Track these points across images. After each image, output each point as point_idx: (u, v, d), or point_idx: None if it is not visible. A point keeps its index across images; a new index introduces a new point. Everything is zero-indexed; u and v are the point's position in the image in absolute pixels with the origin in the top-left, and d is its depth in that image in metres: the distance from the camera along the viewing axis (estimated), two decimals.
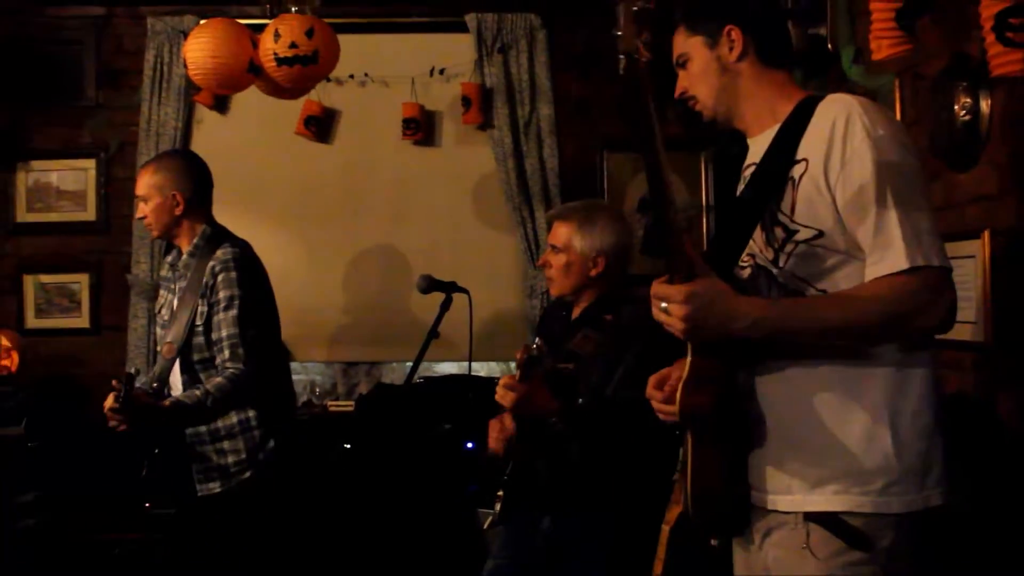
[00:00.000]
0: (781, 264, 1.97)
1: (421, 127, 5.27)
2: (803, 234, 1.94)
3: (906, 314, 1.84)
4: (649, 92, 1.66)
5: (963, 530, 2.83)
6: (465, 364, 4.13)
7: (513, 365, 2.99)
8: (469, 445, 4.48)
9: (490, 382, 4.92)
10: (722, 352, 1.89)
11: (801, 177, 1.94)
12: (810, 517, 1.92)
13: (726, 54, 2.09)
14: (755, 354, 1.96)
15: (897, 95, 3.67)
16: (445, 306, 3.73)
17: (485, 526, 3.07)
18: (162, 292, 3.70)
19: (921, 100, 3.47)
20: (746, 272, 2.05)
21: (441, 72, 5.30)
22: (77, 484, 4.45)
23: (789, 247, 1.96)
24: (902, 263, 1.83)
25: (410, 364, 3.76)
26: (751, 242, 2.04)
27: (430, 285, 3.76)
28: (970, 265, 3.15)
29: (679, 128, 5.19)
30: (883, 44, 3.26)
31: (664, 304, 1.80)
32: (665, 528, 2.28)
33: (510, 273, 5.26)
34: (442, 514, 4.46)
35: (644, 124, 1.66)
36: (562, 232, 3.19)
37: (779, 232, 1.97)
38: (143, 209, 3.55)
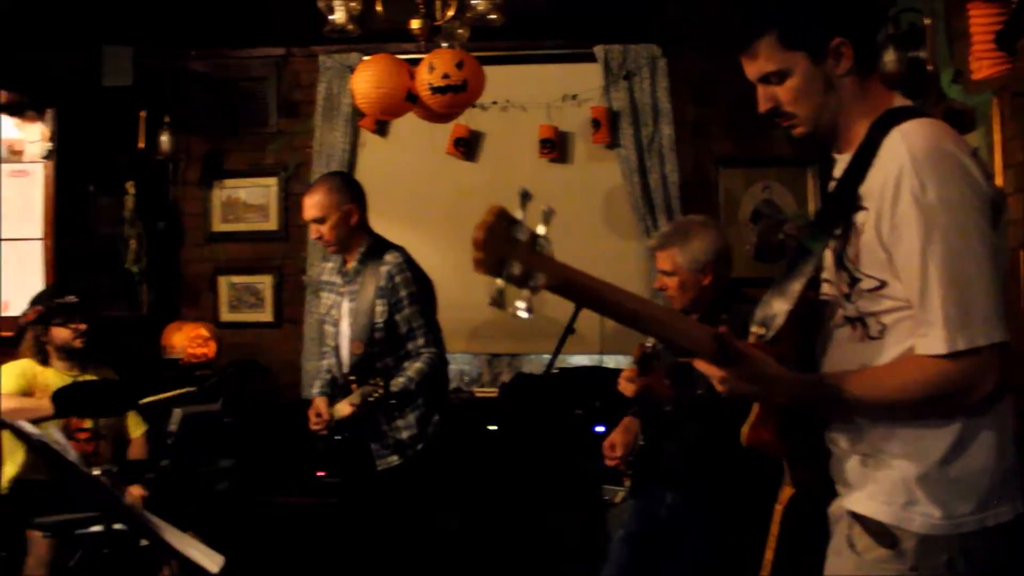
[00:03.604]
0: (852, 300, 1.78)
1: (556, 147, 5.29)
2: (866, 284, 1.74)
3: (944, 396, 1.66)
4: None
5: None
6: (596, 356, 4.13)
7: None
8: (599, 428, 4.48)
9: (618, 373, 4.91)
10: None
11: (864, 226, 1.72)
12: (851, 514, 1.81)
13: (832, 68, 1.75)
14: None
15: (995, 112, 3.53)
16: (579, 305, 3.73)
17: (616, 500, 3.08)
18: (325, 295, 3.75)
19: (1020, 117, 3.33)
20: (824, 289, 1.88)
21: (573, 97, 5.30)
22: (263, 452, 4.63)
23: (856, 289, 1.76)
24: (940, 347, 1.62)
25: (547, 356, 3.79)
26: (826, 270, 1.86)
27: None
28: None
29: (788, 146, 5.13)
30: (983, 64, 3.15)
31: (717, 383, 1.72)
32: (778, 508, 2.23)
33: (636, 276, 5.21)
34: (573, 488, 4.47)
35: None
36: (665, 258, 3.13)
37: (846, 276, 1.77)
38: (319, 229, 3.56)
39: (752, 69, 1.82)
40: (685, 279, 3.11)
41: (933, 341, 1.64)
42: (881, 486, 1.76)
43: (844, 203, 1.75)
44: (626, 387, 2.94)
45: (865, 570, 1.77)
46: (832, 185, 1.87)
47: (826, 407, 1.76)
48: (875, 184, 1.70)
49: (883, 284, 1.73)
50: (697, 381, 3.07)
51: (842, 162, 1.82)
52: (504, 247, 1.37)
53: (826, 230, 1.79)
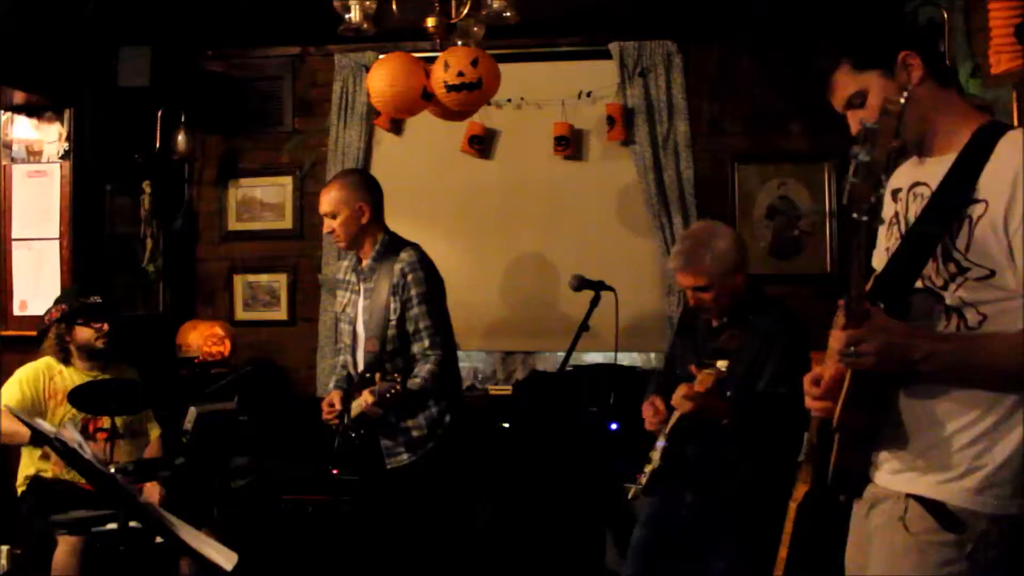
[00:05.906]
0: (950, 290, 1.86)
1: (570, 144, 5.27)
2: (975, 272, 1.83)
3: None
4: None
5: None
6: (610, 354, 4.11)
7: (696, 380, 2.96)
8: (613, 426, 4.47)
9: (632, 371, 4.90)
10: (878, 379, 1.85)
11: (979, 218, 1.81)
12: (911, 496, 1.87)
13: (906, 80, 1.89)
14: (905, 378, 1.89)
15: (1015, 106, 3.50)
16: (594, 302, 3.72)
17: (629, 496, 3.07)
18: (341, 293, 3.77)
19: None
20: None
21: (588, 95, 5.28)
22: (278, 450, 4.64)
23: (960, 279, 1.85)
24: None
25: (561, 353, 3.78)
26: None
27: (581, 284, 3.76)
28: None
29: (804, 141, 5.11)
30: (1002, 58, 3.12)
31: (852, 347, 1.76)
32: (792, 505, 2.23)
33: (650, 274, 5.20)
34: (587, 485, 4.46)
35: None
36: (696, 274, 3.12)
37: (952, 267, 1.85)
38: (331, 224, 3.60)
39: (837, 101, 1.98)
40: (721, 287, 3.10)
41: None
42: (956, 471, 1.84)
43: (956, 197, 1.85)
44: (683, 404, 2.93)
45: (918, 549, 1.84)
46: (918, 187, 1.95)
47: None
48: (999, 178, 1.80)
49: (992, 273, 1.82)
50: (727, 384, 3.06)
51: (929, 166, 1.93)
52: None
53: (940, 221, 1.87)
